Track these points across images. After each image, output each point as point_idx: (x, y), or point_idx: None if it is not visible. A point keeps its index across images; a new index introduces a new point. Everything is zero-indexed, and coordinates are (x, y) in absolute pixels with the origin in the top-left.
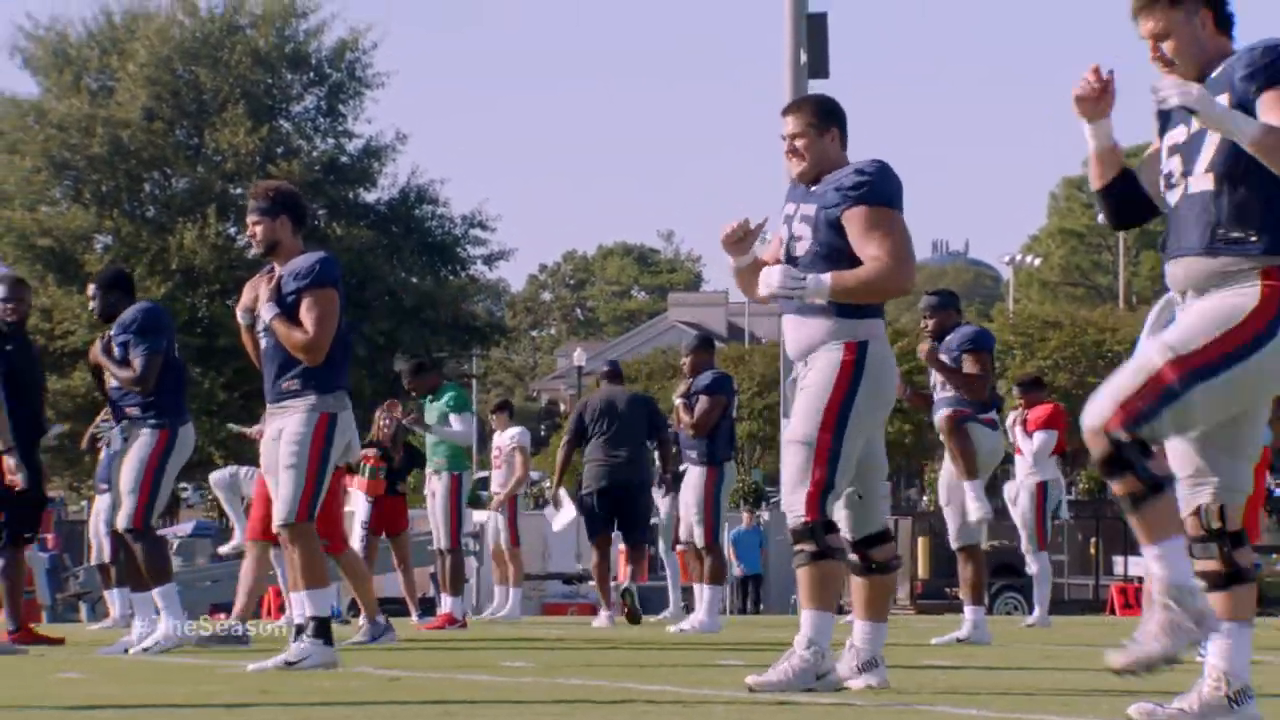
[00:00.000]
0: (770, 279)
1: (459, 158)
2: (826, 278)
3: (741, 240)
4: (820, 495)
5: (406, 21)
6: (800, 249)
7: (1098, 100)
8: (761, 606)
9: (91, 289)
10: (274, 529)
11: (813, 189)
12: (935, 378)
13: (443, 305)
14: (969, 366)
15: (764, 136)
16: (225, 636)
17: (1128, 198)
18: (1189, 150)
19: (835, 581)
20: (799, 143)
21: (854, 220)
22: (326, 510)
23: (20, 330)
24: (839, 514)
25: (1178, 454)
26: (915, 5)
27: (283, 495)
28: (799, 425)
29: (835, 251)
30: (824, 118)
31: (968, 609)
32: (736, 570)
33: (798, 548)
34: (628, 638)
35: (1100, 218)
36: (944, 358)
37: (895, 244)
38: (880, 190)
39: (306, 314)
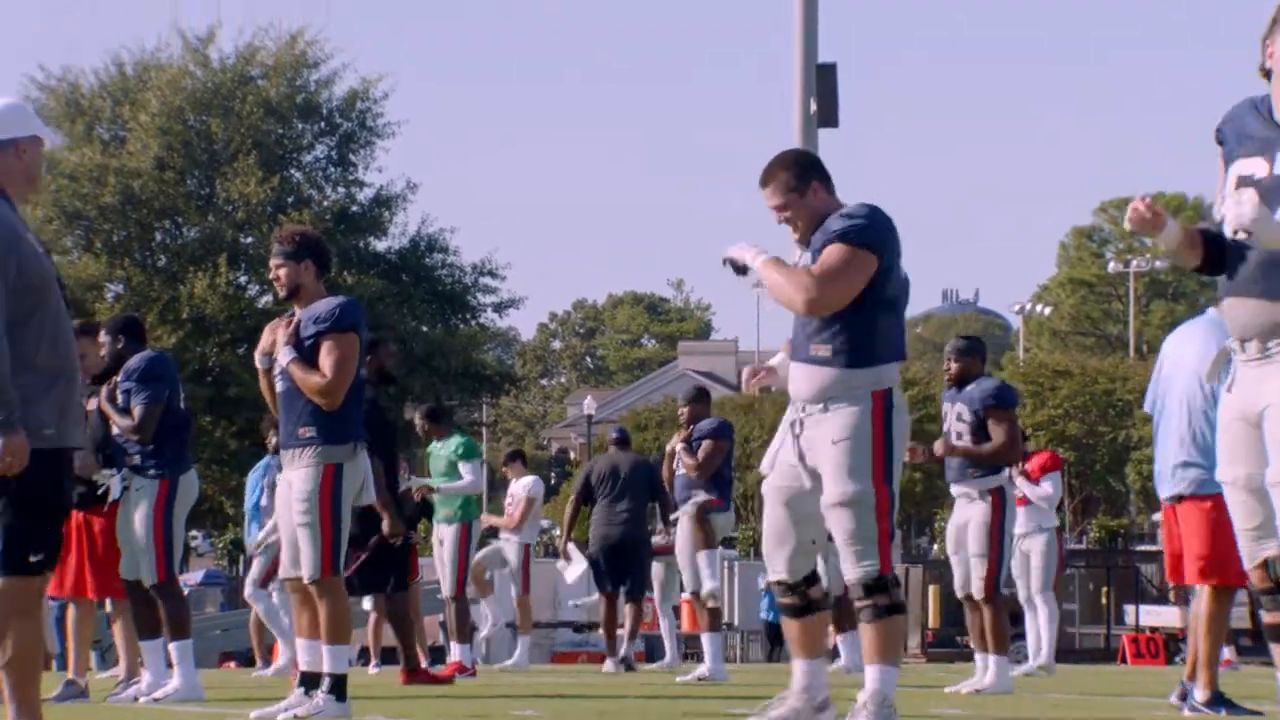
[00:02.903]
0: (733, 247)
1: (469, 206)
2: (766, 254)
3: (765, 380)
4: (888, 547)
5: (417, 72)
6: None
7: (1153, 223)
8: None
9: (103, 334)
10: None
11: (813, 237)
12: (949, 425)
13: (453, 354)
14: (994, 428)
15: None
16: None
17: (1221, 254)
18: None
19: (903, 635)
20: (786, 213)
21: (825, 254)
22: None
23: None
24: (777, 554)
25: (1240, 507)
26: (924, 57)
27: (305, 554)
28: (849, 484)
29: None
30: (800, 177)
31: (991, 659)
32: (764, 616)
33: (868, 602)
34: (638, 685)
35: (1111, 265)
36: (962, 409)
37: (832, 270)
38: (862, 231)
39: (325, 358)
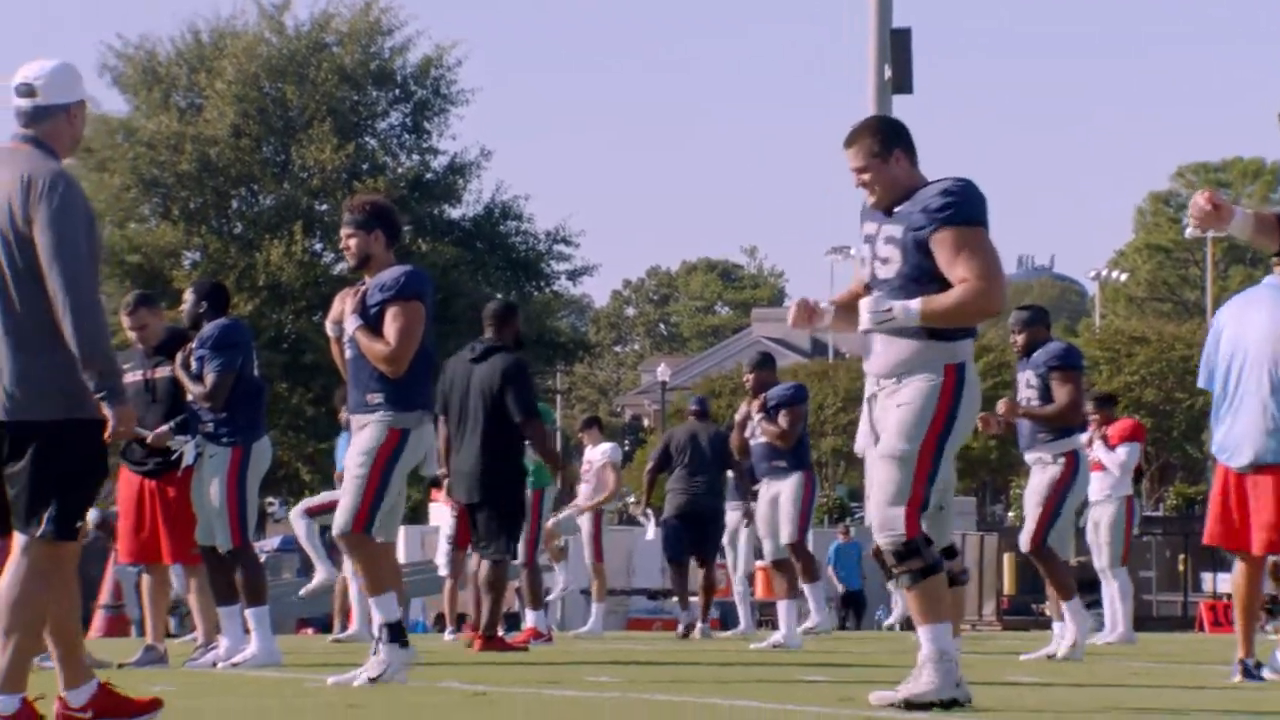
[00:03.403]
0: (862, 315)
1: (543, 174)
2: (915, 304)
3: (811, 316)
4: (918, 513)
5: (491, 38)
6: (888, 272)
7: (1218, 217)
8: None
9: (189, 293)
10: (334, 538)
11: (896, 210)
12: (1021, 394)
13: (527, 321)
14: (1057, 387)
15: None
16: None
17: None
18: None
19: (945, 592)
20: (865, 176)
21: (941, 243)
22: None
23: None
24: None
25: None
26: (999, 21)
27: (343, 505)
28: (897, 440)
29: (925, 274)
30: (885, 143)
31: (1063, 605)
32: (837, 588)
33: (902, 567)
34: (712, 652)
35: (1188, 230)
36: (1030, 376)
37: (983, 264)
38: (966, 210)
39: (390, 325)
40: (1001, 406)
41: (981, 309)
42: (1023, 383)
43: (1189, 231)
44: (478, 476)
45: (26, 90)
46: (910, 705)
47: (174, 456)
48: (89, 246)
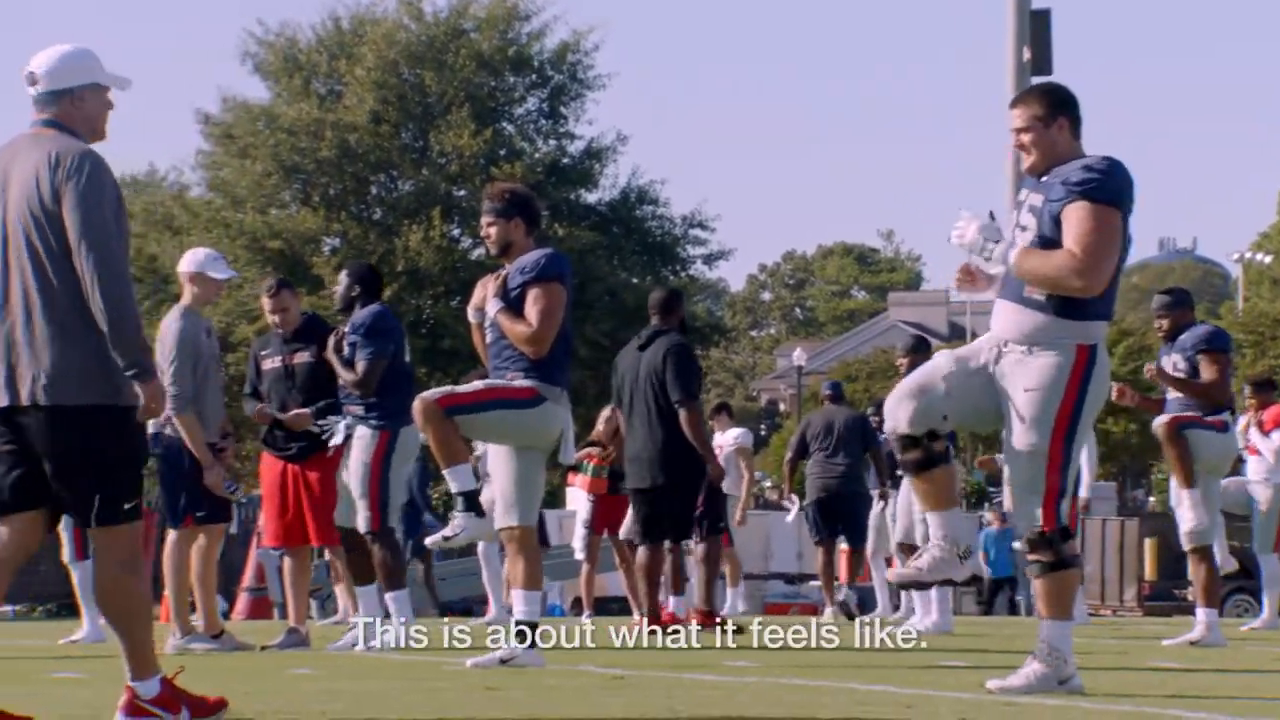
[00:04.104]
0: (967, 230)
1: (679, 159)
2: (1015, 250)
3: (976, 281)
4: (1056, 503)
5: (627, 22)
6: (1025, 239)
7: None
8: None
9: (342, 275)
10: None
11: (1043, 180)
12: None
13: None
14: (1205, 367)
15: (984, 134)
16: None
17: None
18: None
19: (1073, 589)
20: (1025, 137)
21: (1071, 213)
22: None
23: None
24: (904, 405)
25: None
26: (1139, 2)
27: (501, 490)
28: (1030, 434)
29: (1057, 245)
30: (1052, 109)
31: (1200, 611)
32: (986, 573)
33: (1034, 557)
34: (848, 636)
35: None
36: (1176, 360)
37: (1095, 243)
38: (1105, 187)
39: (531, 306)
40: (1149, 370)
41: (1067, 283)
42: (1168, 366)
43: None
44: (655, 461)
45: (30, 79)
46: (994, 694)
47: (325, 437)
48: (118, 225)
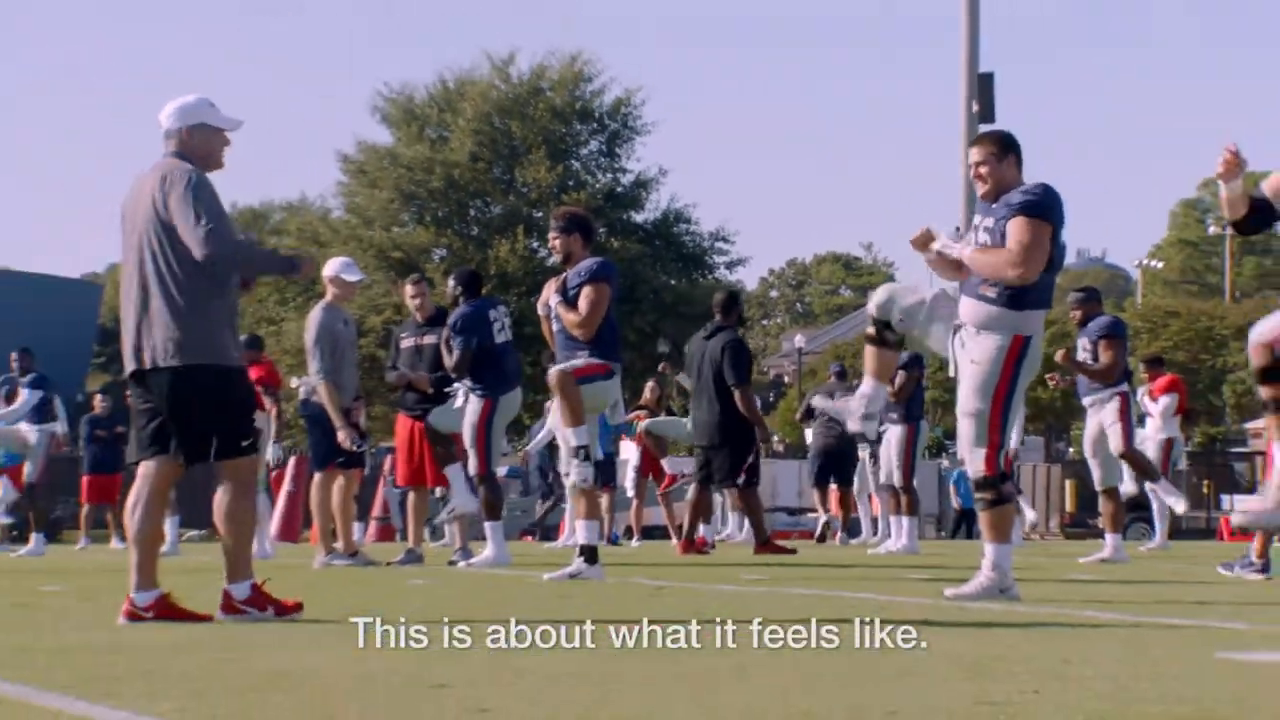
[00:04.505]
0: (936, 238)
1: (708, 186)
2: (969, 250)
3: (926, 243)
4: (996, 455)
5: (669, 79)
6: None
7: (1235, 170)
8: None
9: (451, 279)
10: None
11: (994, 205)
12: (1079, 354)
13: (694, 302)
14: (1104, 351)
15: (940, 169)
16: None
17: (1256, 222)
18: None
19: (1011, 519)
20: (983, 169)
21: (1011, 225)
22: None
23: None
24: (887, 297)
25: None
26: (1071, 65)
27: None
28: (973, 400)
29: None
30: (1003, 148)
31: (1109, 536)
32: (955, 505)
33: (980, 495)
34: (840, 558)
35: (1210, 229)
36: (1084, 342)
37: (1028, 244)
38: (1038, 205)
39: (582, 301)
40: (1059, 356)
41: (1002, 272)
42: (1080, 347)
43: (1211, 230)
44: (714, 425)
45: (160, 123)
46: (949, 600)
47: (450, 399)
48: (219, 208)
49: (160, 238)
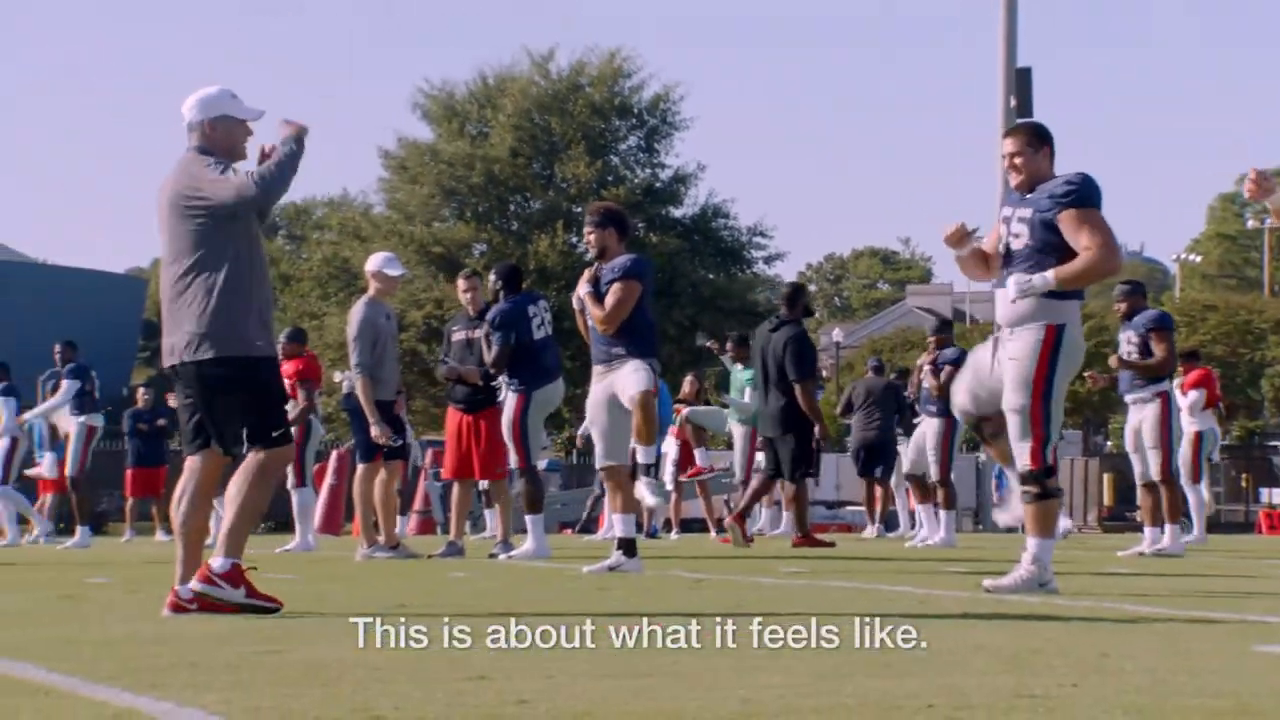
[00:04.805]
0: (1009, 291)
1: (746, 181)
2: (1050, 274)
3: (961, 239)
4: (1041, 449)
5: (707, 75)
6: (1018, 244)
7: (1260, 192)
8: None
9: (492, 274)
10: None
11: (1028, 196)
12: (1123, 349)
13: (733, 296)
14: (1155, 341)
15: (977, 164)
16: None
17: None
18: None
19: (1054, 514)
20: (1018, 160)
21: (1067, 220)
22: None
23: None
24: (964, 391)
25: None
26: (1108, 60)
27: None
28: (1014, 396)
29: (1049, 245)
30: (1037, 139)
31: (1147, 529)
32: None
33: (1024, 489)
34: (877, 551)
35: (1249, 223)
36: (1131, 335)
37: (1103, 235)
38: (1085, 195)
39: (610, 296)
40: (1112, 361)
41: (1104, 271)
42: (1124, 340)
43: (1250, 224)
44: (777, 416)
45: (183, 117)
46: (989, 592)
47: (498, 395)
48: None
49: (185, 234)
